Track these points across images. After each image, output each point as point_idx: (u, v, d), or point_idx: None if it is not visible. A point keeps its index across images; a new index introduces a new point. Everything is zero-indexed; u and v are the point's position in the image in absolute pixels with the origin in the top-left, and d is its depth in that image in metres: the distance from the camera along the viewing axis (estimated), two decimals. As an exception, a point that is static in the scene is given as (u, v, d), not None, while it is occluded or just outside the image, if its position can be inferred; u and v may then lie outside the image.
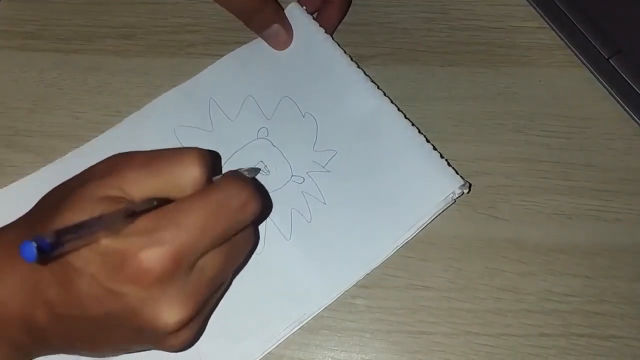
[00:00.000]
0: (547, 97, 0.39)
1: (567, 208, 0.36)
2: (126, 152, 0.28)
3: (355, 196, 0.36)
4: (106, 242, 0.24)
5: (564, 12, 0.40)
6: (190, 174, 0.26)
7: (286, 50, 0.39)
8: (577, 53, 0.39)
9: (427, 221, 0.35)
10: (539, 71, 0.40)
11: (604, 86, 0.38)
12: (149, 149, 0.28)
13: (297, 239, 0.35)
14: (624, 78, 0.38)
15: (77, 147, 0.37)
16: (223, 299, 0.33)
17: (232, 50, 0.40)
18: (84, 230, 0.22)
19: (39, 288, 0.26)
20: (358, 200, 0.35)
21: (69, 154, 0.37)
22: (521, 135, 0.38)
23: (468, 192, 0.36)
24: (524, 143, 0.38)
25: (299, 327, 0.33)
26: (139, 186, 0.26)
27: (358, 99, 0.37)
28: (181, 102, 0.39)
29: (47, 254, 0.20)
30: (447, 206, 0.35)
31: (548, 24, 0.41)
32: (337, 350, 0.33)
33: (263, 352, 0.33)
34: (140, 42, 0.41)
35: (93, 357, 0.30)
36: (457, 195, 0.35)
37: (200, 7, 0.42)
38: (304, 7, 0.40)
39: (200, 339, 0.32)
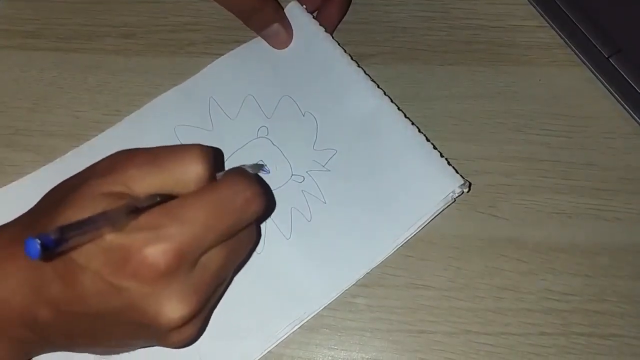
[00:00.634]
0: (547, 96, 0.39)
1: (567, 207, 0.36)
2: (129, 149, 0.28)
3: (355, 195, 0.36)
4: (110, 237, 0.24)
5: (564, 11, 0.40)
6: (194, 170, 0.26)
7: (286, 49, 0.39)
8: (577, 52, 0.39)
9: (427, 220, 0.35)
10: (539, 70, 0.40)
11: (604, 85, 0.38)
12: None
13: (297, 238, 0.35)
14: (624, 77, 0.38)
15: (77, 146, 0.37)
16: (223, 297, 0.33)
17: (232, 49, 0.40)
18: (88, 227, 0.22)
19: (42, 285, 0.26)
20: (358, 200, 0.35)
21: (68, 153, 0.37)
22: (521, 134, 0.38)
23: (468, 191, 0.36)
24: (524, 142, 0.38)
25: (299, 326, 0.33)
26: (143, 182, 0.26)
27: (358, 98, 0.37)
28: (181, 102, 0.39)
29: (51, 251, 0.20)
30: (447, 205, 0.35)
31: (548, 23, 0.41)
32: (337, 349, 0.34)
33: (263, 351, 0.33)
34: (140, 41, 0.41)
35: (95, 353, 0.30)
36: (457, 195, 0.35)
37: (200, 6, 0.42)
38: (304, 6, 0.40)
39: (201, 338, 0.32)
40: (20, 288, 0.26)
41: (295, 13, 0.40)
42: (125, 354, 0.32)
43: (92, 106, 0.39)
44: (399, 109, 0.37)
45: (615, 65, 0.38)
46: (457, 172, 0.35)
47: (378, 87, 0.38)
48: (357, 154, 0.37)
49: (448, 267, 0.35)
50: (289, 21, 0.39)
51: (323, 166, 0.37)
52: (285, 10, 0.40)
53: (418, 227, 0.35)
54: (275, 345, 0.33)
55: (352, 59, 0.38)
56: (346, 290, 0.34)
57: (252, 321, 0.33)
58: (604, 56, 0.38)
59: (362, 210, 0.35)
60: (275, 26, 0.39)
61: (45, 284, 0.25)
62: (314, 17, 0.40)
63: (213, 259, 0.27)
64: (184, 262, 0.25)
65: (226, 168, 0.37)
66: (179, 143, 0.37)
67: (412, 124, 0.37)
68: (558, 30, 0.40)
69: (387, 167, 0.36)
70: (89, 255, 0.24)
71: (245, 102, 0.38)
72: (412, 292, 0.34)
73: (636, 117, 0.37)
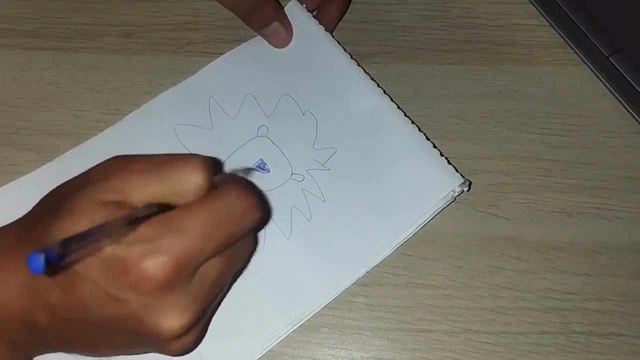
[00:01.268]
0: (547, 95, 0.39)
1: (567, 206, 0.36)
2: (125, 155, 0.28)
3: (355, 194, 0.36)
4: (109, 249, 0.24)
5: (564, 10, 0.40)
6: (193, 180, 0.26)
7: (286, 48, 0.39)
8: (577, 51, 0.39)
9: (427, 219, 0.35)
10: (539, 69, 0.40)
11: (604, 84, 0.38)
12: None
13: (297, 237, 0.35)
14: (624, 76, 0.38)
15: (77, 145, 0.37)
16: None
17: (232, 48, 0.40)
18: (88, 240, 0.22)
19: (41, 291, 0.26)
20: (358, 198, 0.35)
21: (68, 152, 0.37)
22: (521, 133, 0.38)
23: (468, 190, 0.36)
24: (524, 141, 0.38)
25: (299, 324, 0.33)
26: (141, 190, 0.26)
27: (358, 97, 0.37)
28: (181, 101, 0.39)
29: (54, 265, 0.20)
30: (447, 204, 0.35)
31: (548, 22, 0.41)
32: (337, 348, 0.34)
33: (263, 350, 0.33)
34: (140, 40, 0.41)
35: (93, 357, 0.30)
36: (457, 194, 0.35)
37: (199, 5, 0.42)
38: (304, 5, 0.40)
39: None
40: (20, 293, 0.26)
41: (295, 12, 0.40)
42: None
43: (92, 105, 0.39)
44: (398, 107, 0.37)
45: (615, 64, 0.38)
46: (457, 171, 0.35)
47: (378, 86, 0.38)
48: (357, 153, 0.37)
49: (448, 266, 0.35)
50: (288, 20, 0.39)
51: (323, 165, 0.37)
52: (284, 9, 0.40)
53: (418, 226, 0.35)
54: (276, 344, 0.33)
55: (351, 58, 0.38)
56: (346, 289, 0.34)
57: (252, 320, 0.33)
58: (604, 55, 0.38)
59: (362, 209, 0.35)
60: (275, 25, 0.38)
61: (44, 290, 0.25)
62: (313, 16, 0.40)
63: (211, 269, 0.27)
64: (182, 273, 0.25)
65: (226, 167, 0.37)
66: (179, 142, 0.37)
67: (412, 122, 0.37)
68: (558, 29, 0.40)
69: (387, 166, 0.36)
70: (88, 265, 0.24)
71: (245, 101, 0.38)
72: (412, 291, 0.34)
73: (636, 116, 0.37)
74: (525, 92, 0.39)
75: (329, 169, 0.36)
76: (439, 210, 0.35)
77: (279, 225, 0.35)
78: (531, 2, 0.41)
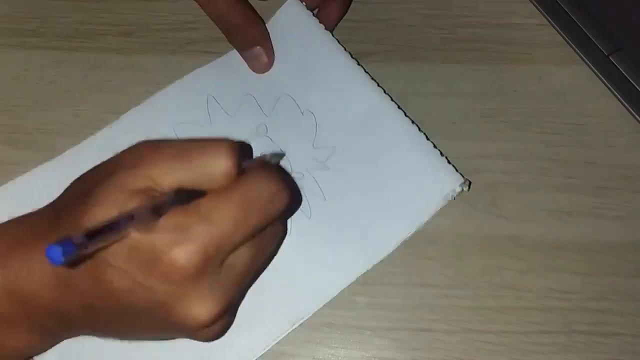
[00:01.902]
0: (547, 95, 0.39)
1: (567, 205, 0.36)
2: (154, 140, 0.28)
3: (354, 193, 0.36)
4: (137, 236, 0.24)
5: (564, 9, 0.40)
6: (222, 165, 0.26)
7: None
8: (578, 50, 0.39)
9: (426, 219, 0.35)
10: (540, 68, 0.40)
11: (604, 83, 0.38)
12: None
13: (297, 236, 0.35)
14: (624, 75, 0.38)
15: (77, 144, 0.37)
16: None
17: (232, 47, 0.40)
18: (114, 229, 0.22)
19: (69, 280, 0.26)
20: (358, 197, 0.35)
21: (68, 151, 0.37)
22: (521, 132, 0.38)
23: (468, 190, 0.36)
24: (524, 140, 0.38)
25: (300, 323, 0.33)
26: (170, 177, 0.26)
27: (358, 96, 0.37)
28: (180, 99, 0.39)
29: (73, 257, 0.20)
30: (447, 203, 0.35)
31: (548, 21, 0.41)
32: (337, 347, 0.33)
33: (263, 349, 0.33)
34: (141, 39, 0.41)
35: (119, 340, 0.30)
36: (457, 193, 0.35)
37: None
38: (303, 3, 0.40)
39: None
40: (48, 282, 0.26)
41: (295, 10, 0.40)
42: (131, 351, 0.32)
43: (92, 105, 0.39)
44: (398, 107, 0.37)
45: (616, 64, 0.38)
46: (457, 170, 0.35)
47: (378, 85, 0.38)
48: (356, 152, 0.36)
49: (448, 265, 0.35)
50: (272, 45, 0.39)
51: (322, 164, 0.36)
52: (285, 6, 0.40)
53: (418, 226, 0.35)
54: (276, 343, 0.33)
55: (351, 57, 0.38)
56: (346, 288, 0.34)
57: (252, 319, 0.33)
58: (604, 54, 0.38)
59: (362, 208, 0.35)
60: (258, 49, 0.38)
61: (73, 278, 0.26)
62: (314, 15, 0.40)
63: (240, 258, 0.27)
64: (211, 262, 0.25)
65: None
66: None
67: (412, 122, 0.37)
68: (558, 29, 0.40)
69: (386, 166, 0.36)
70: (117, 253, 0.24)
71: (244, 100, 0.38)
72: (412, 290, 0.34)
73: (636, 115, 0.37)
74: (525, 91, 0.39)
75: (329, 168, 0.36)
76: (439, 209, 0.35)
77: (278, 224, 0.35)
78: (531, 2, 0.41)
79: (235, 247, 0.26)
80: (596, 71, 0.39)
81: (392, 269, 0.35)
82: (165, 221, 0.24)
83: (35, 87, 0.40)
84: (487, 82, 0.39)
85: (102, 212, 0.24)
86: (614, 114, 0.38)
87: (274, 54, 0.39)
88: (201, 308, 0.25)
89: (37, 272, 0.26)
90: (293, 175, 0.36)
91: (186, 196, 0.25)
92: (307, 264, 0.34)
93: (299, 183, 0.36)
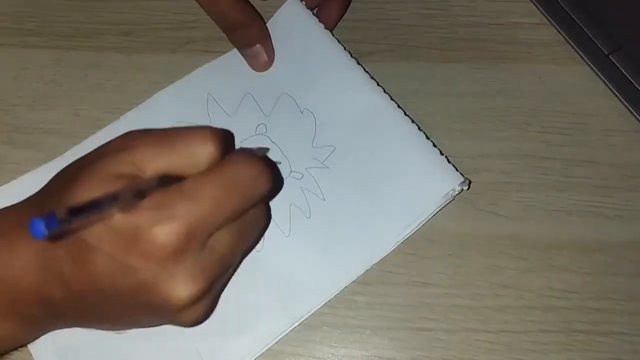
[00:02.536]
0: (547, 94, 0.39)
1: (567, 204, 0.36)
2: (142, 129, 0.28)
3: (354, 192, 0.36)
4: (119, 217, 0.24)
5: (564, 8, 0.40)
6: (206, 150, 0.26)
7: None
8: (578, 49, 0.39)
9: (426, 218, 0.35)
10: (539, 67, 0.40)
11: (605, 82, 0.38)
12: None
13: (297, 235, 0.35)
14: (624, 74, 0.38)
15: (77, 144, 0.37)
16: (223, 295, 0.33)
17: (232, 47, 0.40)
18: (96, 208, 0.22)
19: (54, 265, 0.26)
20: (357, 197, 0.35)
21: (68, 151, 0.37)
22: (521, 131, 0.38)
23: (468, 189, 0.36)
24: (524, 139, 0.38)
25: (299, 323, 0.33)
26: (153, 162, 0.26)
27: (357, 95, 0.37)
28: (179, 98, 0.39)
29: (56, 231, 0.20)
30: (447, 203, 0.35)
31: (548, 20, 0.41)
32: (337, 346, 0.33)
33: (263, 348, 0.33)
34: (140, 38, 0.41)
35: (104, 330, 0.30)
36: (457, 192, 0.35)
37: (199, 4, 0.42)
38: (303, 2, 0.40)
39: (199, 335, 0.32)
40: (31, 268, 0.26)
41: (295, 9, 0.40)
42: (130, 352, 0.32)
43: (92, 104, 0.39)
44: (398, 106, 0.37)
45: (616, 63, 0.38)
46: (457, 169, 0.35)
47: (378, 84, 0.38)
48: (356, 152, 0.36)
49: (448, 264, 0.35)
50: (272, 45, 0.39)
51: (322, 163, 0.36)
52: (285, 5, 0.40)
53: (418, 225, 0.35)
54: (275, 343, 0.33)
55: (351, 56, 0.38)
56: (346, 287, 0.34)
57: (252, 318, 0.33)
58: (604, 53, 0.38)
59: (362, 207, 0.35)
60: (258, 47, 0.38)
61: (57, 264, 0.26)
62: (313, 14, 0.40)
63: (221, 239, 0.27)
64: (193, 241, 0.25)
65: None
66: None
67: (412, 121, 0.36)
68: (558, 28, 0.40)
69: (386, 165, 0.36)
70: (99, 236, 0.24)
71: (243, 100, 0.38)
72: (412, 290, 0.34)
73: (636, 114, 0.37)
74: (525, 91, 0.39)
75: (328, 167, 0.36)
76: (439, 209, 0.35)
77: (278, 223, 0.35)
78: (531, 1, 0.41)
79: (216, 228, 0.26)
80: (596, 70, 0.39)
81: (392, 268, 0.35)
82: (146, 201, 0.24)
83: (35, 86, 0.40)
84: (487, 81, 0.39)
85: (86, 192, 0.24)
86: (614, 113, 0.38)
87: (274, 53, 0.39)
88: (183, 287, 0.25)
89: (20, 259, 0.27)
90: (293, 175, 0.36)
91: (170, 183, 0.26)
92: (306, 263, 0.34)
93: (299, 183, 0.36)
